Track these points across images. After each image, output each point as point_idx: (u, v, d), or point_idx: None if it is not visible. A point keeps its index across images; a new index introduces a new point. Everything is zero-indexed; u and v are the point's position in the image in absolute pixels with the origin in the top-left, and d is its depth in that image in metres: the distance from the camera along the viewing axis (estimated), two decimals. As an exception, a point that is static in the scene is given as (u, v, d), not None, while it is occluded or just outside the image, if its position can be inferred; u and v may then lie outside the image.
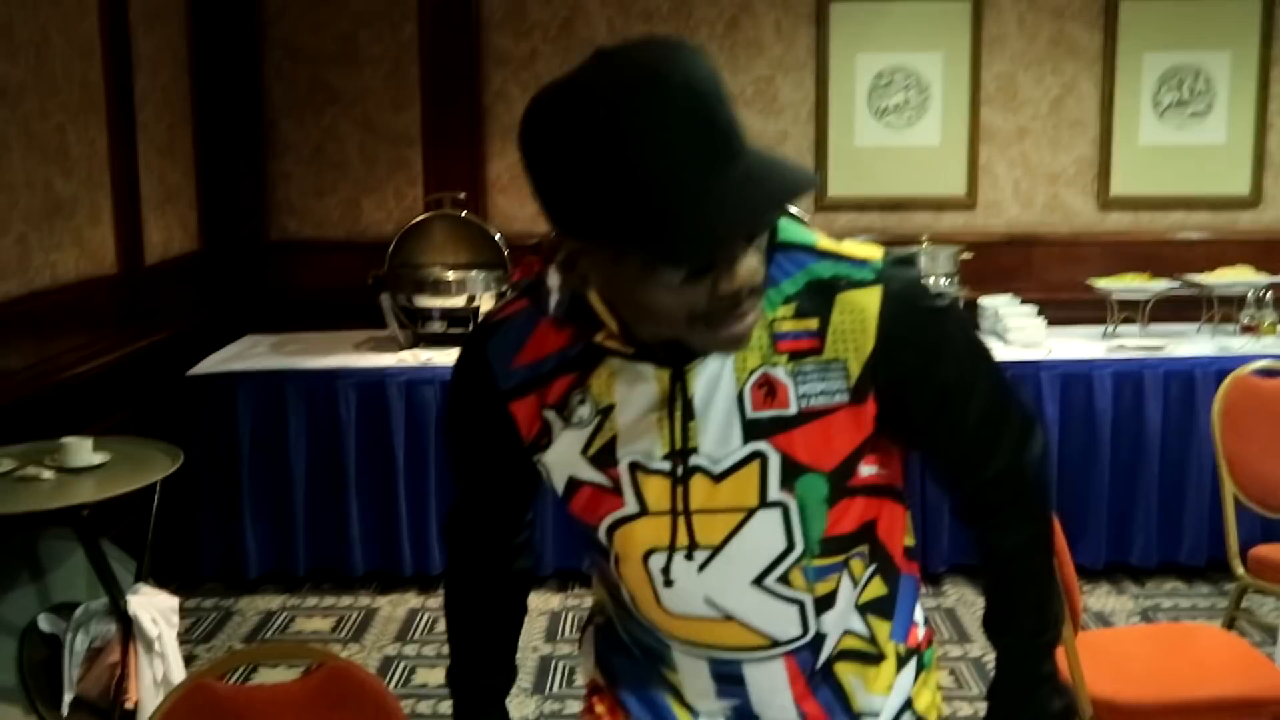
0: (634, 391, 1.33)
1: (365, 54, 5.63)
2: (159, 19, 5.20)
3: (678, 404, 1.33)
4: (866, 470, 1.36)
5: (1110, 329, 4.95)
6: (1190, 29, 5.54)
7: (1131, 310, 4.97)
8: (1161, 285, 4.96)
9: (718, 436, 1.32)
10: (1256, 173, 5.56)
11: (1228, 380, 3.71)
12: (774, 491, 1.32)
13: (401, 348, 4.89)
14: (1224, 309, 5.02)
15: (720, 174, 1.12)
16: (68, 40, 4.39)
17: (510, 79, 5.59)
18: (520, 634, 1.67)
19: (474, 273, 4.92)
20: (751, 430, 1.31)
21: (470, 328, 4.61)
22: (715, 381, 1.31)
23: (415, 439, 4.72)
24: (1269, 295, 4.93)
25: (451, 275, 4.94)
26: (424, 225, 5.06)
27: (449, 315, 4.88)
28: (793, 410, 1.30)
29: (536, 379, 1.37)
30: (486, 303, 4.87)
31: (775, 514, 1.33)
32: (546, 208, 1.21)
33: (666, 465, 1.33)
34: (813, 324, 1.29)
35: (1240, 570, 3.53)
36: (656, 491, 1.35)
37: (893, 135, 5.71)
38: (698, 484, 1.33)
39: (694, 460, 1.33)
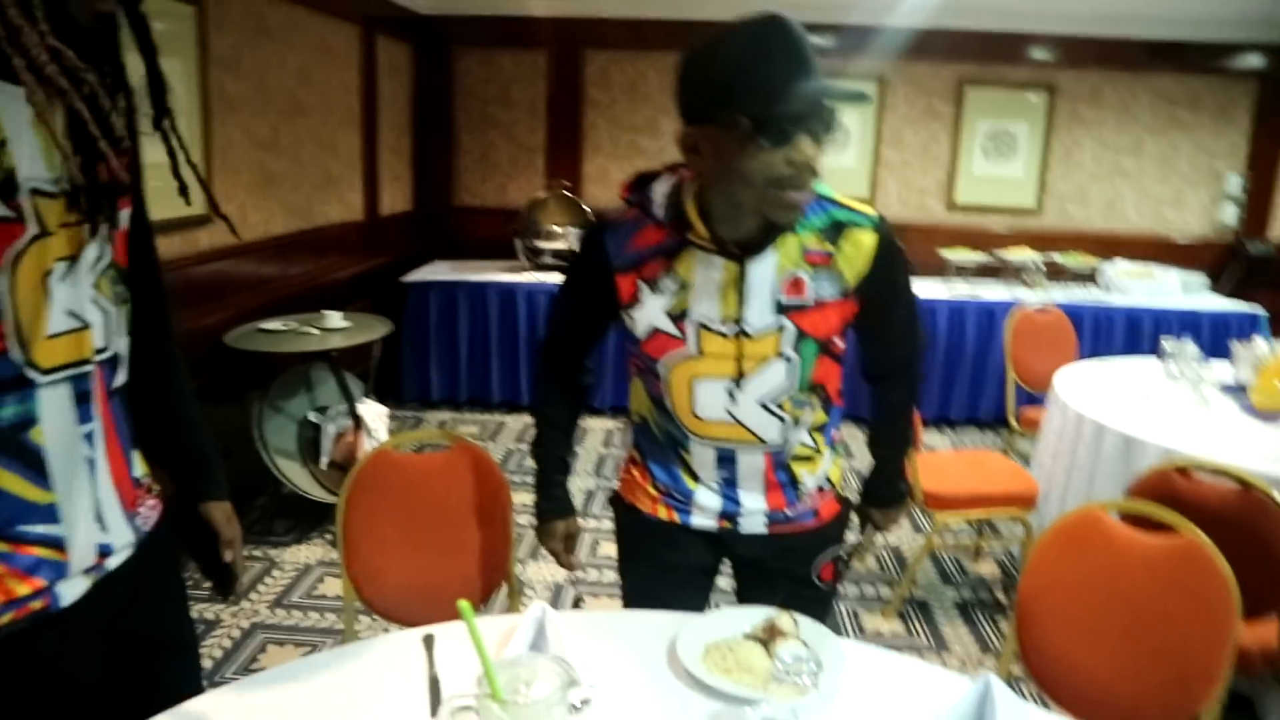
0: (707, 276, 1.29)
1: (514, 98, 5.65)
2: (395, 72, 5.30)
3: (738, 287, 1.28)
4: (839, 343, 1.38)
5: (950, 281, 5.08)
6: (1005, 109, 5.48)
7: (964, 271, 5.12)
8: (981, 257, 5.11)
9: (759, 311, 1.29)
10: (1039, 195, 5.57)
11: (1014, 313, 3.85)
12: (787, 350, 1.32)
13: (526, 271, 4.99)
14: (1015, 273, 5.11)
15: (804, 82, 1.12)
16: (342, 81, 4.56)
17: (599, 116, 5.58)
18: (578, 426, 1.60)
19: (570, 228, 4.93)
20: (780, 309, 1.29)
21: (569, 260, 4.03)
22: (764, 274, 1.28)
23: (531, 323, 4.81)
24: (1042, 266, 5.06)
25: (557, 229, 4.94)
26: (543, 200, 5.04)
27: (554, 253, 4.92)
28: (810, 300, 1.29)
29: (639, 261, 1.33)
30: (577, 246, 4.48)
31: (783, 363, 1.33)
32: (689, 106, 1.18)
33: (724, 328, 1.30)
34: (829, 246, 1.28)
35: (1014, 423, 3.73)
36: (715, 343, 1.31)
37: (825, 161, 5.52)
38: (742, 341, 1.32)
39: (742, 326, 1.30)
